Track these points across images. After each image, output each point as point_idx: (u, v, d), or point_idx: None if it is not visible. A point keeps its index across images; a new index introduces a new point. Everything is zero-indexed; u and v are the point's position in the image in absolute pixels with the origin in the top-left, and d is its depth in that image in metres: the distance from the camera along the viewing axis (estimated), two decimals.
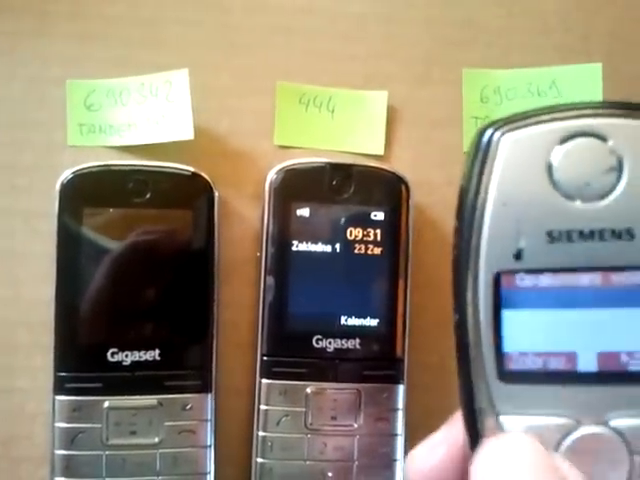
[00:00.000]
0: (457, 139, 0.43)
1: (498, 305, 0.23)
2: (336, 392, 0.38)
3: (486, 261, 0.23)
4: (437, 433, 0.26)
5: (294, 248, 0.39)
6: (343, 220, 0.39)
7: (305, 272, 0.39)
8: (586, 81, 0.43)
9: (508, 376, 0.23)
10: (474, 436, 0.23)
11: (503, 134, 0.23)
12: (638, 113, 0.23)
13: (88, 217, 0.37)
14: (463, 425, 0.24)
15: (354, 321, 0.39)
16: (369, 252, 0.39)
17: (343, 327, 0.39)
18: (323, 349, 0.38)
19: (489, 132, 0.23)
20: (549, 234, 0.22)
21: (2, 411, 0.40)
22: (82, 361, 0.37)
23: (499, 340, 0.23)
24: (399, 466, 0.38)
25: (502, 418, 0.23)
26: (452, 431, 0.25)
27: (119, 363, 0.37)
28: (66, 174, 0.38)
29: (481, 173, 0.23)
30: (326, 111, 0.42)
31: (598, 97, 0.42)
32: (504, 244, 0.23)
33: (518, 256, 0.23)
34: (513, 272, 0.23)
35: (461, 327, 0.23)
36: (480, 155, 0.23)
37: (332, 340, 0.38)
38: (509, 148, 0.23)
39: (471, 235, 0.23)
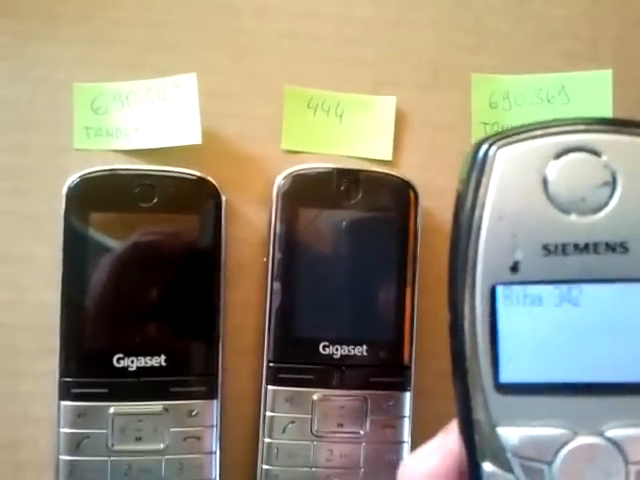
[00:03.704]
0: (466, 144, 0.42)
1: (494, 317, 0.23)
2: (342, 399, 0.38)
3: (483, 274, 0.23)
4: (432, 441, 0.26)
5: (301, 253, 0.39)
6: (351, 226, 0.39)
7: (312, 278, 0.39)
8: (596, 87, 0.43)
9: (505, 388, 0.23)
10: (471, 447, 0.24)
11: (499, 149, 0.23)
12: (630, 129, 0.23)
13: (94, 221, 0.37)
14: (459, 436, 0.24)
15: (361, 327, 0.39)
16: (377, 258, 0.39)
17: (350, 333, 0.38)
18: (330, 355, 0.38)
19: (484, 147, 0.23)
20: (545, 247, 0.23)
21: (6, 416, 0.40)
22: (87, 366, 0.37)
23: (496, 352, 0.23)
24: None
25: (499, 429, 0.23)
26: (448, 439, 0.26)
27: (125, 369, 0.37)
28: (73, 178, 0.38)
29: (477, 188, 0.23)
30: (334, 116, 0.42)
31: (608, 104, 0.42)
32: (500, 257, 0.23)
33: (514, 269, 0.23)
34: (509, 284, 0.23)
35: (458, 339, 0.24)
36: (476, 170, 0.23)
37: (339, 346, 0.38)
38: (505, 163, 0.23)
39: (467, 248, 0.23)
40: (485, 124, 0.43)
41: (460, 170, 0.24)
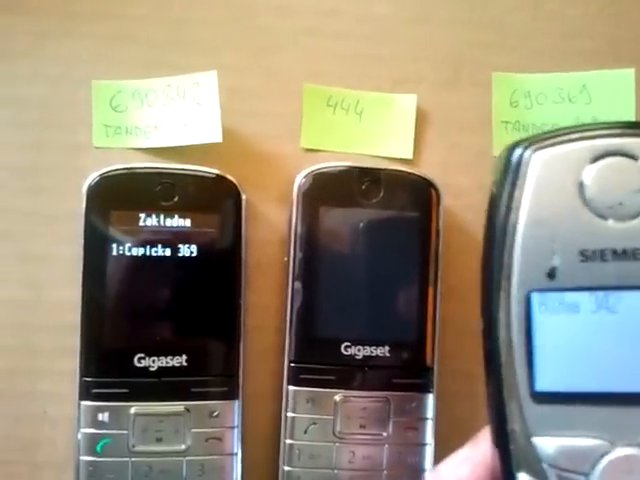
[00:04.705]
0: (486, 143, 0.42)
1: (531, 325, 0.23)
2: (365, 400, 0.38)
3: (519, 280, 0.23)
4: (461, 450, 0.26)
5: (322, 253, 0.38)
6: (372, 225, 0.39)
7: (333, 277, 0.38)
8: (618, 86, 0.42)
9: (541, 397, 0.23)
10: (506, 457, 0.23)
11: (534, 152, 0.23)
12: None
13: (115, 220, 0.37)
14: (493, 446, 0.24)
15: (383, 328, 0.38)
16: (398, 257, 0.39)
17: (372, 334, 0.38)
18: (352, 356, 0.38)
19: (519, 150, 0.23)
20: (582, 253, 0.22)
21: (24, 415, 0.39)
22: (108, 366, 0.37)
23: (531, 360, 0.23)
24: None
25: (535, 439, 0.23)
26: (477, 449, 0.25)
27: (146, 369, 0.36)
28: (93, 176, 0.37)
29: (512, 191, 0.23)
30: (354, 114, 0.42)
31: (631, 103, 0.42)
32: (537, 263, 0.23)
33: (551, 275, 0.23)
34: (546, 291, 0.23)
35: (492, 347, 0.23)
36: (511, 173, 0.23)
37: (361, 347, 0.38)
38: (540, 167, 0.23)
39: (503, 254, 0.23)
40: (506, 123, 0.43)
41: (493, 172, 0.24)
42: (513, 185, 0.23)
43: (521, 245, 0.23)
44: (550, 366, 0.23)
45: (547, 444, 0.22)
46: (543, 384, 0.23)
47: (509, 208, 0.23)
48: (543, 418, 0.23)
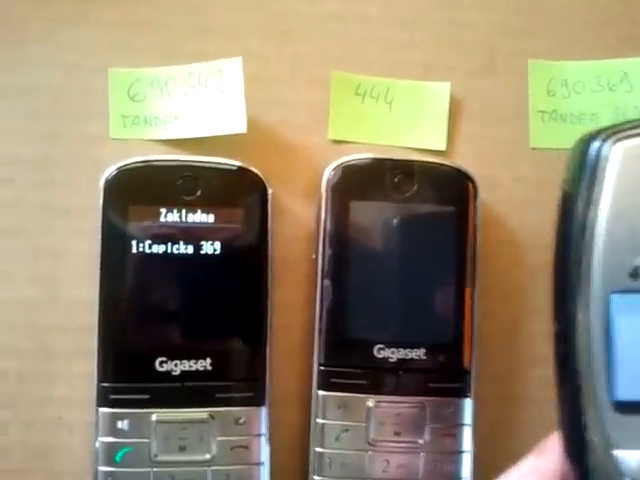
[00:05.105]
0: (523, 133, 0.40)
1: (611, 328, 0.21)
2: (399, 405, 0.36)
3: (599, 281, 0.21)
4: (525, 461, 0.25)
5: (353, 249, 0.37)
6: (405, 220, 0.37)
7: (365, 276, 0.36)
8: None
9: (623, 406, 0.21)
10: (583, 471, 0.22)
11: (614, 144, 0.22)
12: None
13: (134, 215, 0.35)
14: (567, 458, 0.23)
15: (418, 329, 0.36)
16: (434, 254, 0.37)
17: (407, 335, 0.36)
18: (385, 359, 0.36)
19: (597, 143, 0.22)
20: None
21: (39, 421, 0.38)
22: (128, 371, 0.35)
23: (613, 367, 0.21)
24: None
25: (616, 452, 0.21)
26: (544, 459, 0.24)
27: (168, 373, 0.34)
28: (110, 170, 0.35)
29: (591, 187, 0.22)
30: (384, 103, 0.40)
31: None
32: (619, 262, 0.21)
33: (634, 275, 0.21)
34: (629, 292, 0.21)
35: (569, 352, 0.22)
36: (588, 167, 0.22)
37: (395, 349, 0.36)
38: (621, 159, 0.22)
39: (581, 252, 0.22)
40: (543, 112, 0.41)
41: (566, 167, 0.23)
42: (592, 180, 0.22)
43: (602, 243, 0.21)
44: (633, 373, 0.21)
45: (630, 457, 0.21)
46: (625, 392, 0.21)
47: (588, 204, 0.22)
48: (626, 429, 0.21)
